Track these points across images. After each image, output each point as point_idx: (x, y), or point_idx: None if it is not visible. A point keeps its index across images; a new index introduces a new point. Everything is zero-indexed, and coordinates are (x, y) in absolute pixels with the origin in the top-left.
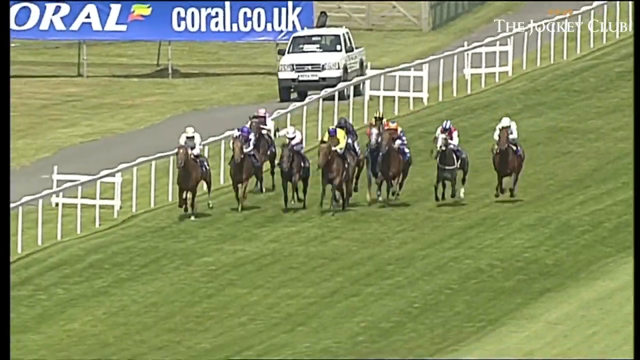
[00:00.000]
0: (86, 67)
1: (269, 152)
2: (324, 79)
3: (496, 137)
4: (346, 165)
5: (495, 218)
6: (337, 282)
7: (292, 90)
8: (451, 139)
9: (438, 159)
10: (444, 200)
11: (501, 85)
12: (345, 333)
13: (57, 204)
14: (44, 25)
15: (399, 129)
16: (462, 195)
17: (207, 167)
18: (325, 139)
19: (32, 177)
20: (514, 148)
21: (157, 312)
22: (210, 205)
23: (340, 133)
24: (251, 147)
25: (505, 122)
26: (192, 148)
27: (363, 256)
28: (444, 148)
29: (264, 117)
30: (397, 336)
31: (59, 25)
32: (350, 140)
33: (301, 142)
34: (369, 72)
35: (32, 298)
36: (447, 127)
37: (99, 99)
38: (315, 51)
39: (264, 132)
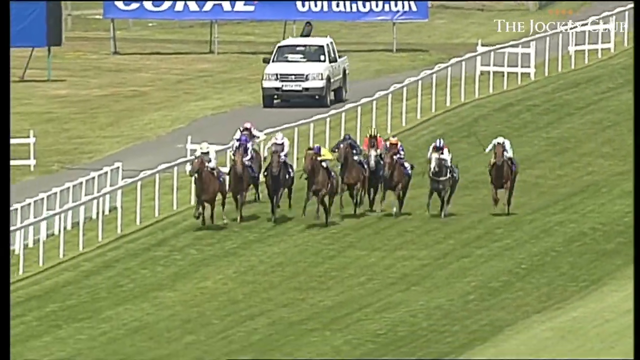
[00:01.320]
0: (217, 44)
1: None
2: (307, 89)
3: (489, 148)
4: (330, 178)
5: (597, 185)
6: (449, 244)
7: (275, 98)
8: (442, 153)
9: (431, 172)
10: (435, 213)
11: (604, 60)
12: (457, 292)
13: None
14: (179, 7)
15: (399, 144)
16: (445, 213)
17: (223, 179)
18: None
19: (167, 147)
20: (509, 162)
21: (283, 272)
22: (225, 222)
23: (325, 151)
24: (249, 156)
25: (500, 139)
26: (208, 162)
27: (473, 220)
28: (437, 169)
29: (250, 129)
30: (505, 295)
31: (193, 7)
32: (355, 157)
33: (285, 150)
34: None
35: (167, 258)
36: (440, 145)
37: (229, 74)
38: (299, 61)
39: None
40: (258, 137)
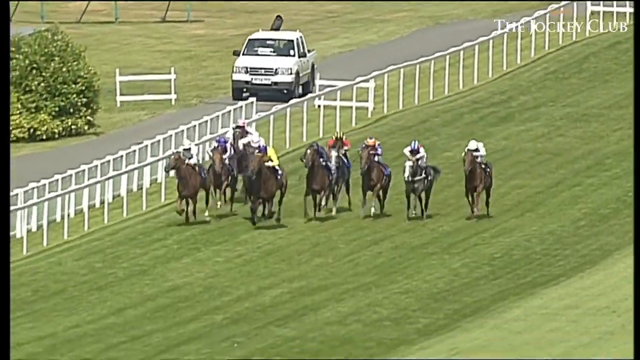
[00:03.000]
0: None
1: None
2: (276, 83)
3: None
4: (277, 180)
5: None
6: (560, 174)
7: (245, 91)
8: (418, 153)
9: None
10: (415, 214)
11: None
12: (568, 218)
13: (319, 106)
14: None
15: (377, 143)
16: (424, 216)
17: (205, 176)
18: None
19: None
20: (483, 166)
21: (404, 200)
22: (208, 219)
23: (271, 151)
24: (229, 153)
25: (472, 145)
26: (190, 158)
27: (584, 151)
28: (411, 178)
29: (243, 126)
30: (614, 221)
31: None
32: (322, 161)
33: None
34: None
35: (297, 187)
36: (415, 147)
37: (355, 15)
38: (269, 55)
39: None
40: (251, 134)
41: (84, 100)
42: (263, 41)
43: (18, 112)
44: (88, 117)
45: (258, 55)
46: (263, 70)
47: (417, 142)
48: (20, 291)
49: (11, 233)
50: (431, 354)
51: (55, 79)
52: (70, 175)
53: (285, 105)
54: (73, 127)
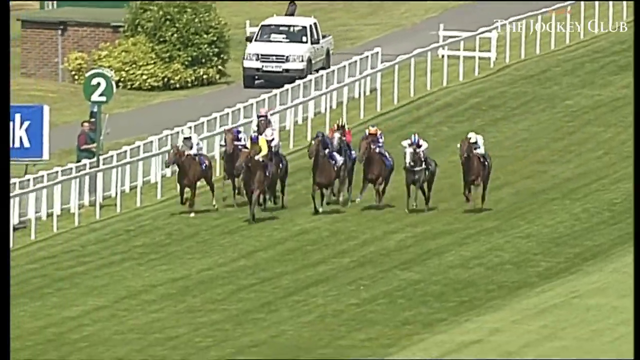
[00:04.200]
0: None
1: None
2: (287, 70)
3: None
4: (267, 174)
5: None
6: None
7: (256, 78)
8: (419, 147)
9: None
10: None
11: None
12: None
13: (442, 56)
14: None
15: (379, 132)
16: (426, 209)
17: (207, 165)
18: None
19: (422, 33)
20: (481, 159)
21: (527, 146)
22: (215, 207)
23: (262, 141)
24: (242, 142)
25: (472, 137)
26: (190, 148)
27: None
28: (412, 164)
29: (266, 115)
30: None
31: None
32: (327, 151)
33: (277, 143)
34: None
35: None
36: (415, 141)
37: None
38: (281, 41)
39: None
40: (272, 125)
41: (215, 50)
42: (276, 27)
43: (152, 61)
44: (219, 67)
45: (270, 41)
46: (274, 57)
47: (417, 136)
48: (155, 235)
49: (146, 178)
50: (552, 297)
51: (187, 29)
52: (202, 122)
53: (409, 55)
54: (205, 76)
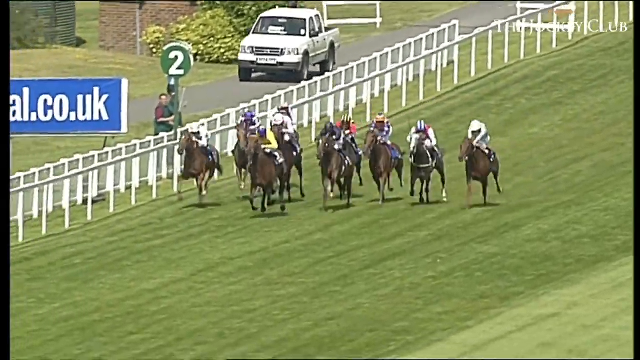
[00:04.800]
0: None
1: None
2: (282, 63)
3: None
4: (277, 164)
5: None
6: None
7: (253, 71)
8: (427, 138)
9: (412, 158)
10: (416, 200)
11: None
12: None
13: (520, 28)
14: None
15: (386, 121)
16: (444, 197)
17: (214, 156)
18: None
19: (499, 5)
20: (486, 152)
21: (605, 119)
22: (204, 195)
23: (271, 135)
24: (255, 125)
25: (474, 126)
26: (200, 139)
27: None
28: (416, 150)
29: (287, 108)
30: None
31: None
32: (337, 146)
33: (292, 132)
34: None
35: (499, 107)
36: (422, 127)
37: None
38: (278, 34)
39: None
40: (291, 118)
41: None
42: (274, 19)
43: (230, 35)
44: None
45: (268, 34)
46: (269, 50)
47: (423, 122)
48: (232, 208)
49: (223, 151)
50: (629, 271)
51: (265, 3)
52: (280, 95)
53: (487, 27)
54: None
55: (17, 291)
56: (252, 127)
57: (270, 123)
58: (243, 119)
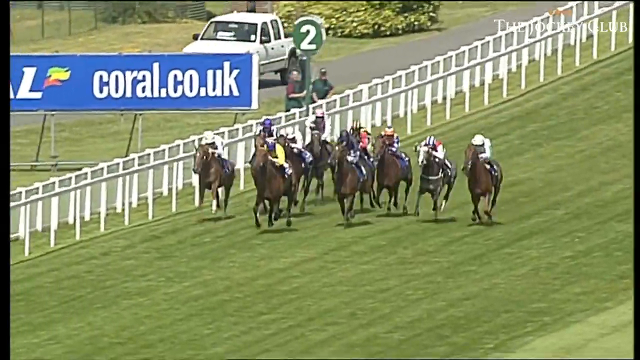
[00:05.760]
0: None
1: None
2: None
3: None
4: (286, 176)
5: None
6: None
7: None
8: (435, 151)
9: (421, 170)
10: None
11: None
12: None
13: None
14: None
15: (395, 135)
16: (442, 209)
17: (229, 170)
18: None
19: None
20: (487, 167)
21: None
22: (214, 212)
23: (280, 149)
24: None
25: (477, 140)
26: (215, 149)
27: None
28: (425, 162)
29: (322, 116)
30: None
31: None
32: (351, 157)
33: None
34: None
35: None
36: (431, 142)
37: None
38: (227, 40)
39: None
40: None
41: None
42: (225, 24)
43: (363, 8)
44: (431, 14)
45: (216, 39)
46: None
47: (433, 138)
48: None
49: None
50: None
51: None
52: (413, 71)
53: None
54: (416, 23)
55: (146, 270)
56: (268, 140)
57: (310, 126)
58: (261, 127)
